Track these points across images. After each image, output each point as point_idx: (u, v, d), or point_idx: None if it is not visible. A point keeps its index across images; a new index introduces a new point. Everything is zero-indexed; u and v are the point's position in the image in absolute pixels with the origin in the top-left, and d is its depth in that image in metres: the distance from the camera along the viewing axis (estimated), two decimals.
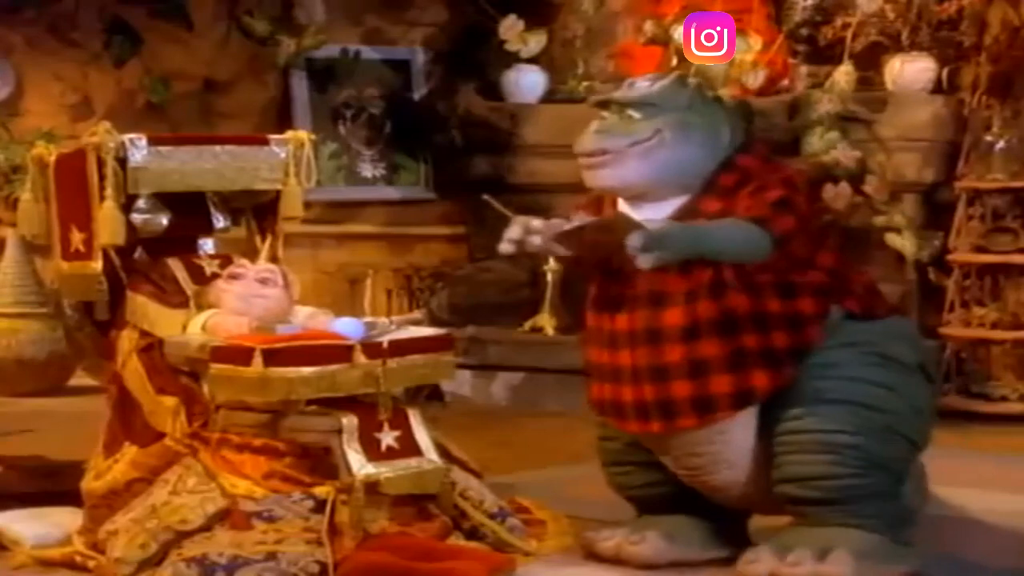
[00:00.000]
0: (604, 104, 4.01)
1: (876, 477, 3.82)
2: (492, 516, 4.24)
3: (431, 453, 4.21)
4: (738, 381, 3.82)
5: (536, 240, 3.87)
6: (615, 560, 4.03)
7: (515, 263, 6.78)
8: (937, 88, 6.94)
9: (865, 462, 3.80)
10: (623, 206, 3.97)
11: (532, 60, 7.59)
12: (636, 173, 3.89)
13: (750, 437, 3.90)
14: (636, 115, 3.92)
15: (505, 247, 3.91)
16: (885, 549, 3.82)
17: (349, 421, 4.12)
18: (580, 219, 3.91)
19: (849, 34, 6.93)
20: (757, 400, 3.86)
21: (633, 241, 3.60)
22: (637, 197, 3.94)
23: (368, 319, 4.39)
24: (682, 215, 3.88)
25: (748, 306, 3.81)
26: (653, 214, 3.88)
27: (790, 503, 3.90)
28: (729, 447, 3.91)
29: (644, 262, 3.63)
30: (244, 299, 4.35)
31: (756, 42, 7.01)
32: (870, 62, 7.01)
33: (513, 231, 3.88)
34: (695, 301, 3.81)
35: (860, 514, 3.82)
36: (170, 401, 4.30)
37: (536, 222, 3.89)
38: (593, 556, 4.08)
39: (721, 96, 4.28)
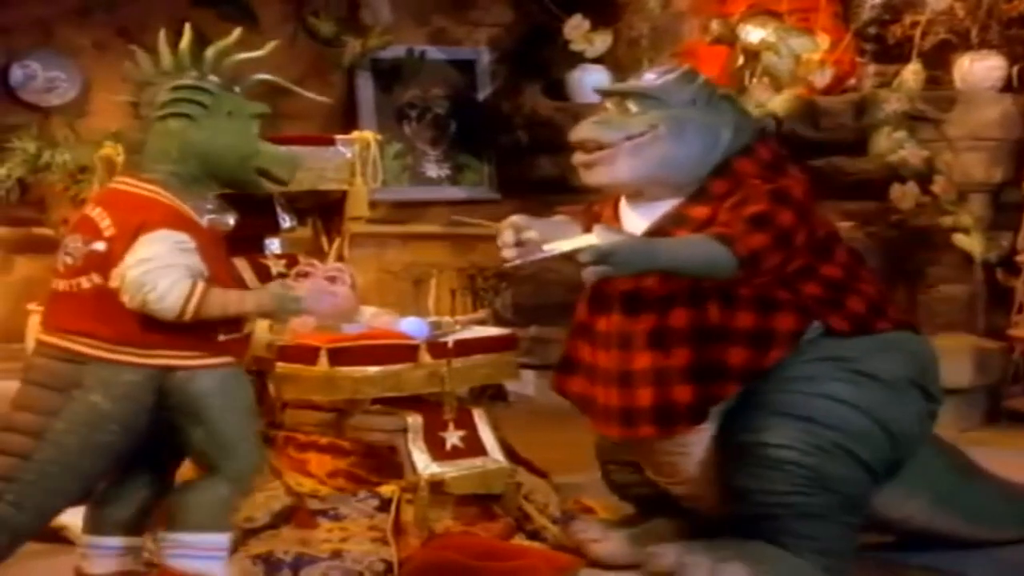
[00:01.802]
0: (606, 94, 3.94)
1: (820, 497, 3.71)
2: (555, 521, 4.24)
3: (496, 453, 4.22)
4: (699, 393, 3.73)
5: (533, 234, 3.82)
6: (579, 552, 4.03)
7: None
8: (1007, 86, 6.86)
9: (809, 480, 3.69)
10: (624, 207, 3.91)
11: (597, 60, 7.57)
12: (628, 169, 3.80)
13: (709, 448, 3.82)
14: (634, 108, 3.84)
15: (508, 253, 3.79)
16: (800, 571, 3.70)
17: (414, 420, 4.13)
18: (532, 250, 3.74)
19: (918, 32, 6.86)
20: (707, 414, 3.77)
21: (582, 256, 3.48)
22: (634, 196, 3.87)
23: (433, 319, 4.40)
24: (669, 221, 3.79)
25: (718, 318, 3.72)
26: (648, 215, 3.83)
27: (731, 517, 3.81)
28: (689, 458, 3.85)
29: (588, 275, 3.52)
30: (312, 296, 4.36)
31: (823, 41, 6.96)
32: (939, 60, 6.93)
33: (506, 236, 3.79)
34: (669, 308, 3.74)
35: (795, 533, 3.71)
36: None
37: (516, 218, 3.84)
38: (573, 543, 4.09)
39: (730, 96, 4.09)
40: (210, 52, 3.48)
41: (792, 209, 3.73)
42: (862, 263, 4.01)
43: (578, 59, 7.58)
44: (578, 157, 3.87)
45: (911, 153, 6.61)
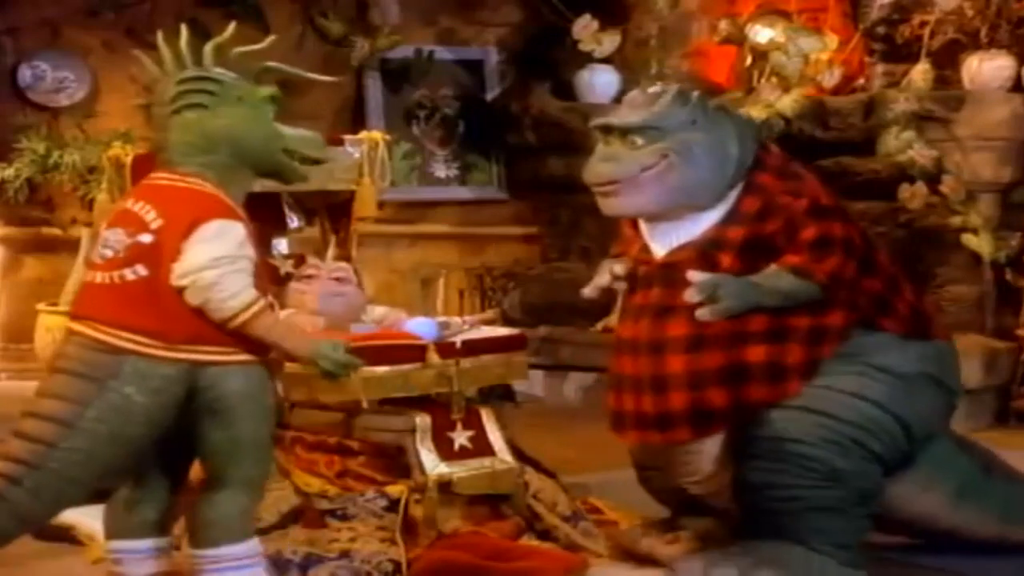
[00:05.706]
0: (606, 129, 3.94)
1: (833, 491, 3.76)
2: (565, 519, 4.23)
3: (504, 453, 4.22)
4: (735, 395, 3.79)
5: (624, 286, 4.02)
6: (650, 559, 4.01)
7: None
8: (1015, 86, 6.85)
9: (822, 475, 3.74)
10: (644, 228, 3.96)
11: (606, 60, 7.57)
12: (649, 199, 3.87)
13: (723, 445, 3.86)
14: (639, 140, 3.87)
15: (590, 292, 4.08)
16: (825, 570, 3.74)
17: (423, 420, 4.13)
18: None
19: (927, 32, 6.86)
20: (751, 415, 3.81)
21: (689, 295, 3.70)
22: (654, 218, 3.93)
23: (441, 319, 4.40)
24: (708, 245, 3.85)
25: (765, 323, 3.78)
26: (669, 233, 3.89)
27: (745, 513, 3.84)
28: (704, 456, 3.88)
29: (702, 315, 3.71)
30: (324, 298, 4.37)
31: (832, 40, 6.96)
32: (948, 60, 6.93)
33: (602, 279, 4.01)
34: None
35: (810, 528, 3.75)
36: None
37: (619, 267, 4.00)
38: (632, 556, 4.06)
39: (725, 107, 4.15)
40: (208, 47, 3.47)
41: (834, 217, 3.90)
42: (874, 257, 4.02)
43: (587, 59, 7.59)
44: (596, 190, 3.92)
45: (920, 153, 6.61)
